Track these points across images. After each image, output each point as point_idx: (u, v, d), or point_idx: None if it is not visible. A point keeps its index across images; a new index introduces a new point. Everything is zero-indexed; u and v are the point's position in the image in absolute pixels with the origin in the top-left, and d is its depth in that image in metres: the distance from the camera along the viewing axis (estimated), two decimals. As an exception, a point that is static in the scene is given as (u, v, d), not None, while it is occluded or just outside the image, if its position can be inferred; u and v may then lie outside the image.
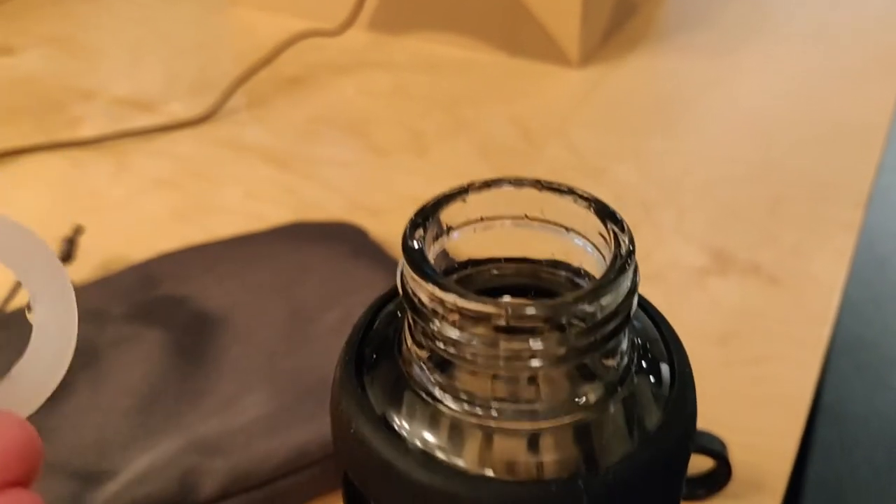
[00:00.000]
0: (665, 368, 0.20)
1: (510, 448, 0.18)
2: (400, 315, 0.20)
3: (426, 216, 0.19)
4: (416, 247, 0.18)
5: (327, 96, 0.66)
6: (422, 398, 0.18)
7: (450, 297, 0.16)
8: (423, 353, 0.18)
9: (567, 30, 0.67)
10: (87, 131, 0.61)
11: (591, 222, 0.18)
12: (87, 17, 0.78)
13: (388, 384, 0.19)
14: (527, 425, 0.18)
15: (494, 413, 0.18)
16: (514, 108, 0.64)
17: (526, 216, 0.20)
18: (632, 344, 0.19)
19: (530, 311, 0.16)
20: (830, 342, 0.45)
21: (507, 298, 0.20)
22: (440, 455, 0.17)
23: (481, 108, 0.64)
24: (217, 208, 0.55)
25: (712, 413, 0.41)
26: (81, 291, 0.45)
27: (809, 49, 0.71)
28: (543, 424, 0.18)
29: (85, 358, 0.40)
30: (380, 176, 0.57)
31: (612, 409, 0.18)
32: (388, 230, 0.51)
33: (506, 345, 0.17)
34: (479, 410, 0.18)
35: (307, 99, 0.65)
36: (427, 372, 0.18)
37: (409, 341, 0.19)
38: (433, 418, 0.18)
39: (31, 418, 0.16)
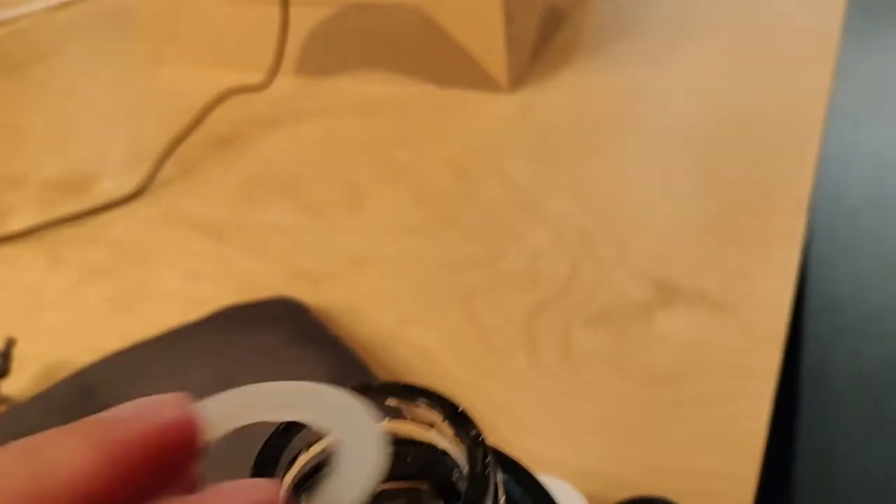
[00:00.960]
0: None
1: None
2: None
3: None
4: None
5: (259, 153, 0.65)
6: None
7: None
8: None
9: (493, 55, 0.66)
10: (16, 223, 0.60)
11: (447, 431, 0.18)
12: (9, 93, 0.76)
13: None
14: None
15: None
16: (447, 146, 0.63)
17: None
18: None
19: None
20: (807, 308, 0.45)
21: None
22: None
23: (415, 148, 0.63)
24: (155, 294, 0.54)
25: (663, 461, 0.41)
26: (18, 411, 0.45)
27: (740, 43, 0.70)
28: None
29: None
30: (317, 239, 0.56)
31: None
32: (329, 300, 0.50)
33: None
34: None
35: (239, 159, 0.64)
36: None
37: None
38: None
39: None
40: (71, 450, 0.14)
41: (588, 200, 0.56)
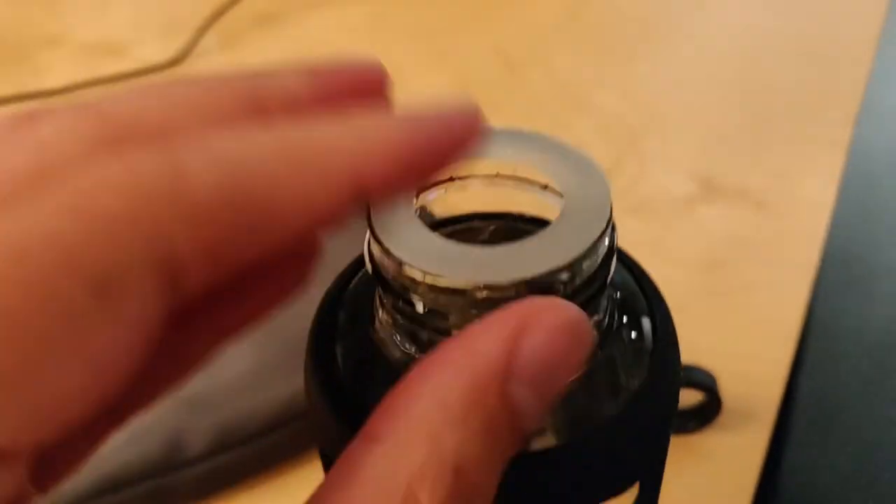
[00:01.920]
0: (646, 323, 0.19)
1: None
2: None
3: None
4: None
5: (301, 32, 0.64)
6: (394, 369, 0.18)
7: (419, 275, 0.16)
8: (396, 324, 0.18)
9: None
10: (54, 81, 0.60)
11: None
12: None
13: (359, 353, 0.19)
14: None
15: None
16: (495, 36, 0.62)
17: (498, 174, 0.19)
18: (611, 300, 0.19)
19: (505, 283, 0.15)
20: (821, 262, 0.45)
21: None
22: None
23: (461, 36, 0.62)
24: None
25: (702, 342, 0.41)
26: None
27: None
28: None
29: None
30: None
31: (593, 371, 0.18)
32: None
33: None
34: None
35: (280, 36, 0.64)
36: (400, 343, 0.18)
37: (381, 312, 0.18)
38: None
39: None
40: (288, 77, 0.15)
41: (634, 98, 0.56)
